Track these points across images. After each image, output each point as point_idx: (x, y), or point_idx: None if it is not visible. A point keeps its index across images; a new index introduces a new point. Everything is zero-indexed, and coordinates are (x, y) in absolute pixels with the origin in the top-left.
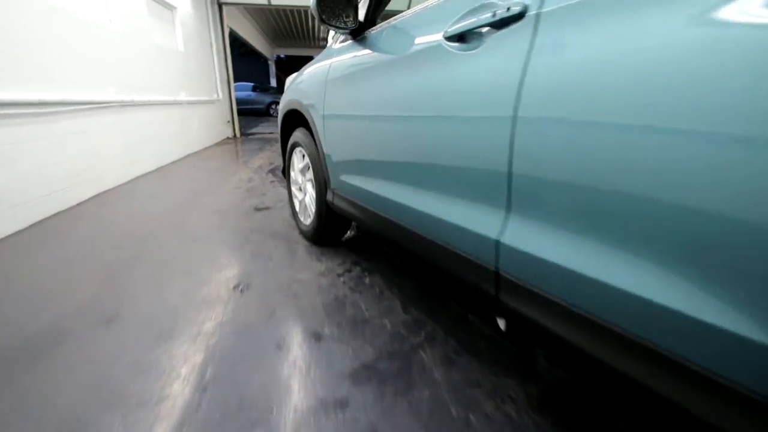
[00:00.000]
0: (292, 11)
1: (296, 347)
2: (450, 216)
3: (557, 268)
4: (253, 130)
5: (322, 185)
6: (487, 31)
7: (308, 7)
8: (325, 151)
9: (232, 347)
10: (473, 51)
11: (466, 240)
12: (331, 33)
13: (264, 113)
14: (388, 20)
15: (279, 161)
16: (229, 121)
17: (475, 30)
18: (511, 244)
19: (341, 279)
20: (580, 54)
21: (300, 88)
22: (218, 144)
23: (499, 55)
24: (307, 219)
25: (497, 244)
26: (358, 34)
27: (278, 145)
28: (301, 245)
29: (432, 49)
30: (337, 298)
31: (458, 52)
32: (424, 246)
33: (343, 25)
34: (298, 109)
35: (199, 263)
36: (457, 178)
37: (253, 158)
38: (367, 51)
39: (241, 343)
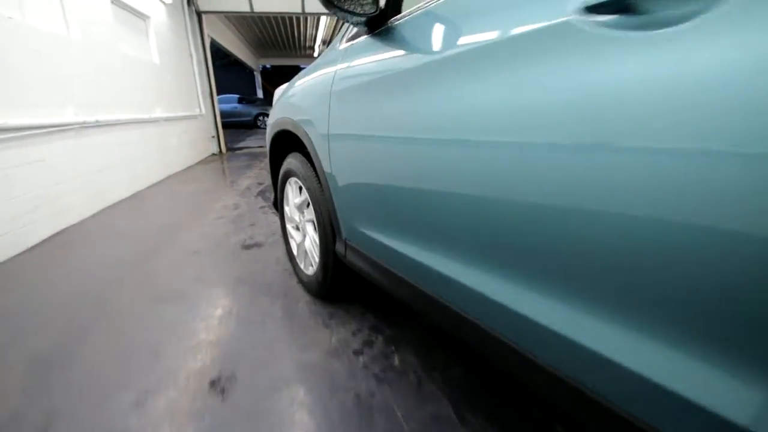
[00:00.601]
0: (276, 19)
1: None
2: (604, 345)
3: None
4: (240, 145)
5: (328, 232)
6: None
7: (293, 13)
8: (331, 187)
9: None
10: (664, 30)
11: (651, 402)
12: (319, 41)
13: (251, 125)
14: (416, 7)
15: (269, 180)
16: (213, 137)
17: None
18: None
19: (361, 359)
20: None
21: (292, 102)
22: (202, 162)
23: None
24: (309, 268)
25: None
26: (377, 26)
27: (267, 161)
28: (302, 302)
29: (548, 35)
30: (360, 399)
31: (623, 32)
32: (539, 376)
33: (359, 10)
34: (292, 130)
35: (164, 342)
36: (622, 268)
37: (240, 178)
38: (395, 50)
39: None
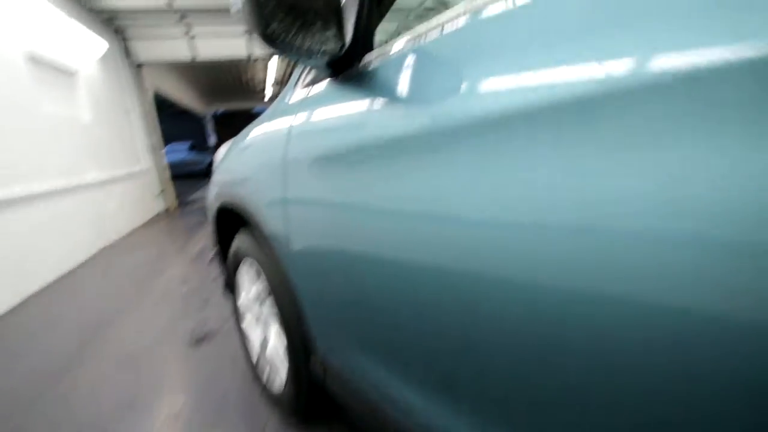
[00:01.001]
0: (223, 65)
1: None
2: None
3: None
4: (193, 197)
5: (296, 343)
6: None
7: (239, 59)
8: (297, 285)
9: None
10: None
11: None
12: (270, 83)
13: (204, 174)
14: (409, 35)
15: None
16: (162, 191)
17: None
18: None
19: None
20: None
21: (234, 171)
22: (147, 224)
23: None
24: (276, 377)
25: None
26: (345, 65)
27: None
28: (270, 427)
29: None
30: None
31: None
32: None
33: (318, 48)
34: (237, 207)
35: None
36: None
37: (191, 240)
38: (373, 96)
39: None
